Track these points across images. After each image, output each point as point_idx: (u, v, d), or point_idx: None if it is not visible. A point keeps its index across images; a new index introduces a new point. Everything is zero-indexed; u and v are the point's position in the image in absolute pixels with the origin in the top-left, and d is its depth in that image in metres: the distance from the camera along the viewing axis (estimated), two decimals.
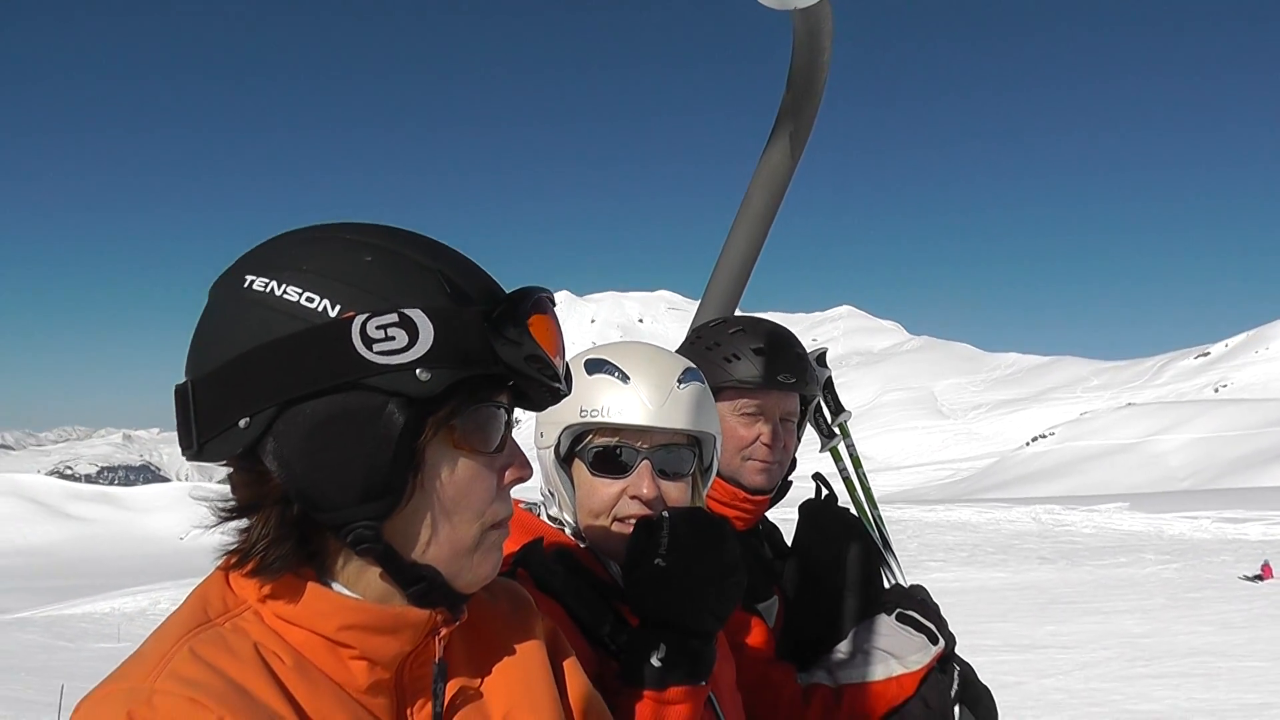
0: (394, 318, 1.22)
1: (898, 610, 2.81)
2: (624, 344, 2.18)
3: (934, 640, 2.74)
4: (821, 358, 3.05)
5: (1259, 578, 39.05)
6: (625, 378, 2.05)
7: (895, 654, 2.71)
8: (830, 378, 3.17)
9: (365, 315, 1.22)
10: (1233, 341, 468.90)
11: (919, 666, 2.70)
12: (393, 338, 1.22)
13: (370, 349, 1.21)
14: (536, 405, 1.47)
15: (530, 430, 2.19)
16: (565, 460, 2.11)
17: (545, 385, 1.35)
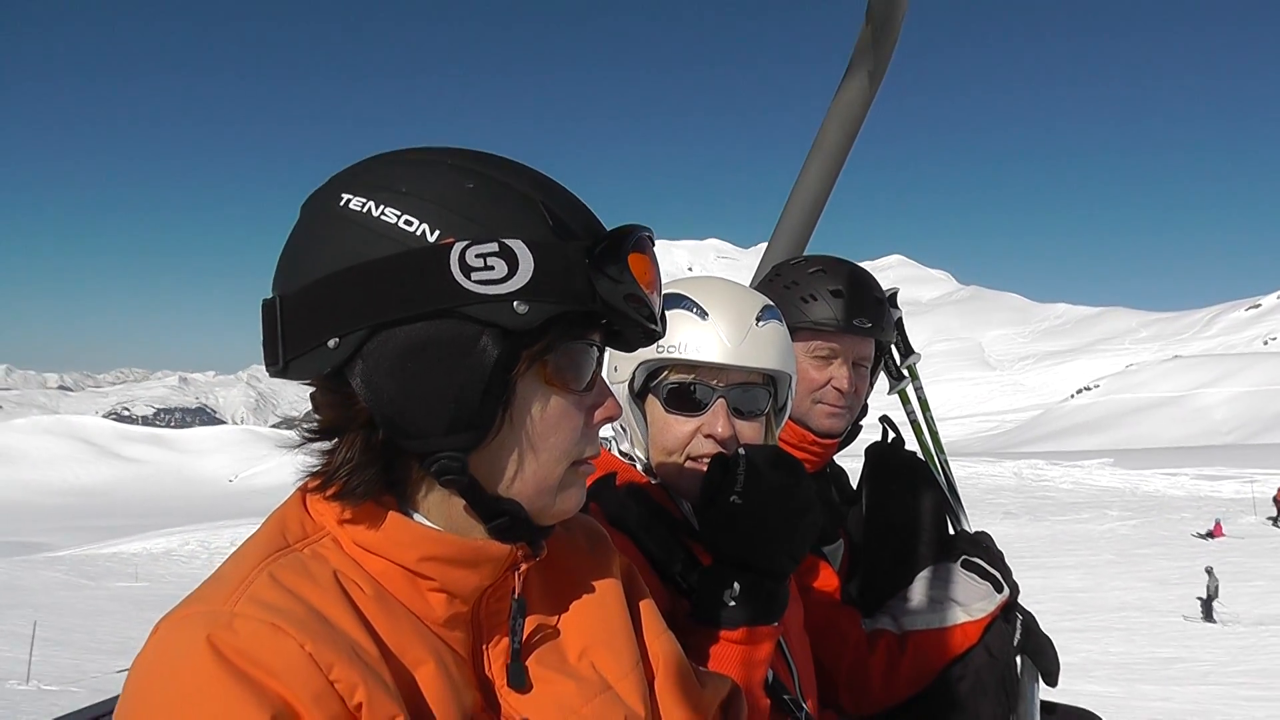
0: (494, 247, 1.20)
1: (963, 557, 2.78)
2: (703, 279, 2.12)
3: (999, 589, 2.72)
4: (893, 298, 2.94)
5: (1210, 535, 40.78)
6: (704, 314, 1.99)
7: (960, 602, 2.69)
8: (900, 319, 3.08)
9: (465, 242, 1.20)
10: None
11: (983, 615, 2.68)
12: (492, 267, 1.19)
13: (468, 277, 1.18)
14: (629, 345, 1.43)
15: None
16: (639, 396, 2.06)
17: (642, 326, 1.33)
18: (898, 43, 3.21)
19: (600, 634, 1.48)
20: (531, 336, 1.23)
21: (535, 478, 1.31)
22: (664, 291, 1.94)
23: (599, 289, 1.24)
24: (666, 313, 1.88)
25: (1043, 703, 2.90)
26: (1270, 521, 46.54)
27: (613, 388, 1.97)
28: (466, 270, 1.18)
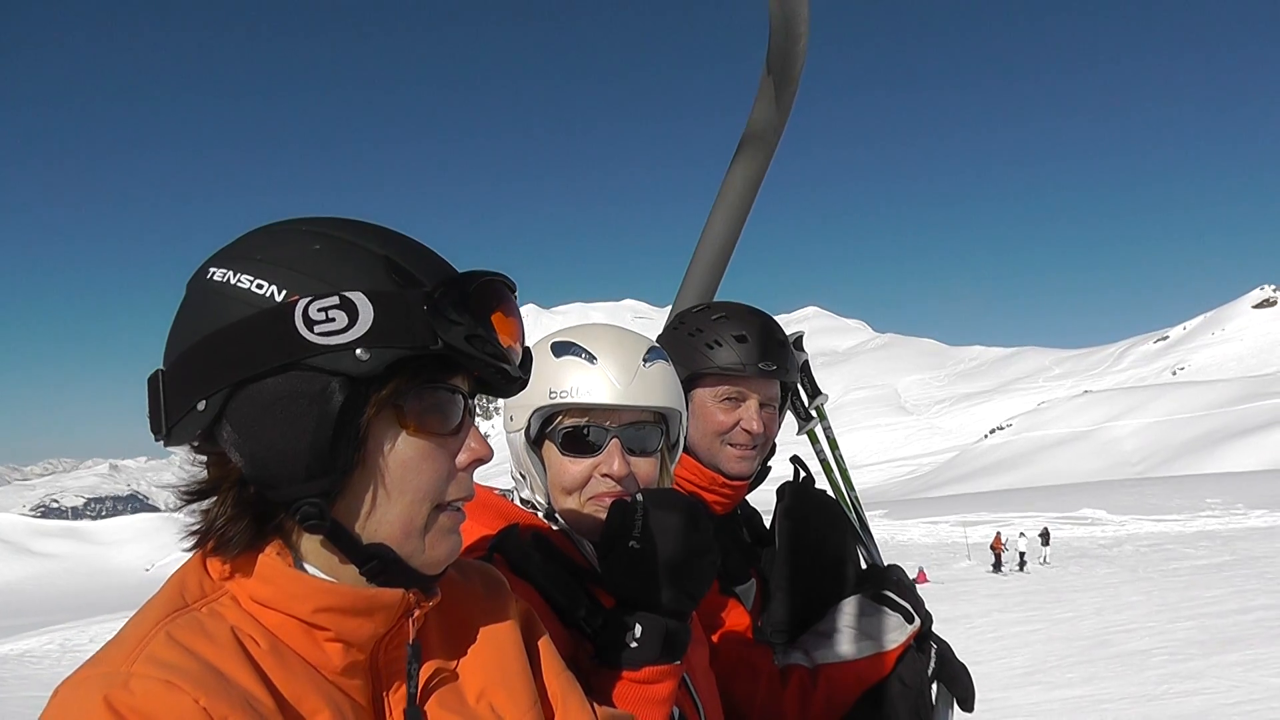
0: (335, 300, 1.25)
1: (874, 590, 2.79)
2: (589, 326, 2.16)
3: (910, 619, 2.74)
4: (798, 341, 2.99)
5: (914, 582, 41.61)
6: (592, 358, 2.03)
7: (871, 634, 2.70)
8: (807, 361, 3.11)
9: (308, 298, 1.25)
10: (1190, 324, 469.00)
11: (895, 645, 2.70)
12: (333, 319, 1.24)
13: (311, 330, 1.24)
14: (498, 390, 1.46)
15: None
16: (535, 442, 2.09)
17: (489, 364, 1.35)
18: (797, 94, 3.27)
19: (497, 676, 1.51)
20: (378, 382, 1.28)
21: (400, 520, 1.34)
22: (553, 340, 2.08)
23: (440, 331, 1.28)
24: (557, 360, 2.03)
25: None
26: (992, 568, 47.43)
27: (509, 437, 2.09)
28: (310, 324, 1.24)
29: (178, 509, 1.34)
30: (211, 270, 1.32)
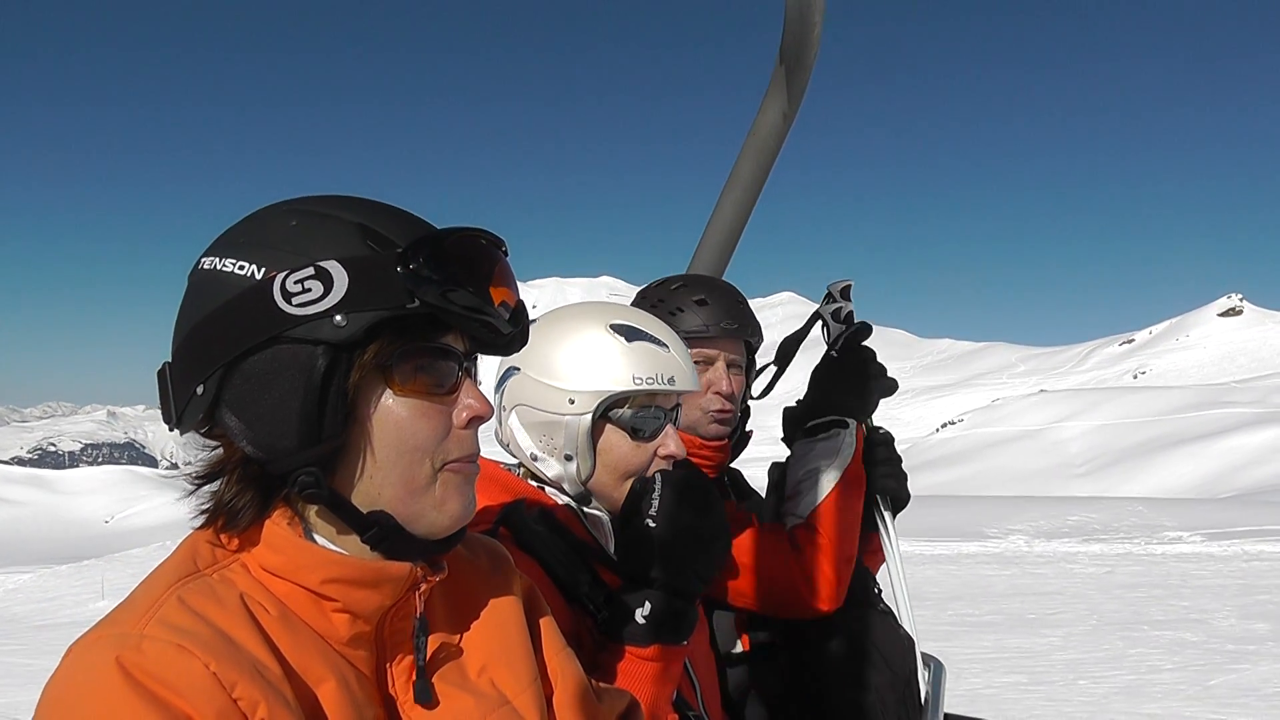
0: (310, 271, 1.24)
1: (807, 427, 2.82)
2: (624, 307, 2.16)
3: (842, 425, 2.76)
4: (846, 291, 3.00)
5: None
6: (662, 345, 2.03)
7: (824, 457, 2.72)
8: (852, 311, 3.04)
9: (285, 272, 1.25)
10: (1156, 329, 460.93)
11: (850, 457, 2.71)
12: (309, 290, 1.24)
13: (289, 302, 1.23)
14: (495, 347, 1.43)
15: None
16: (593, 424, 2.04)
17: (471, 319, 1.32)
18: (809, 82, 3.28)
19: (499, 651, 1.50)
20: (361, 346, 1.27)
21: (402, 482, 1.32)
22: (610, 322, 2.07)
23: (416, 290, 1.26)
24: (630, 344, 2.04)
25: (947, 716, 2.91)
26: None
27: (566, 419, 2.02)
28: (288, 297, 1.23)
29: (191, 493, 1.33)
30: (203, 261, 1.32)
